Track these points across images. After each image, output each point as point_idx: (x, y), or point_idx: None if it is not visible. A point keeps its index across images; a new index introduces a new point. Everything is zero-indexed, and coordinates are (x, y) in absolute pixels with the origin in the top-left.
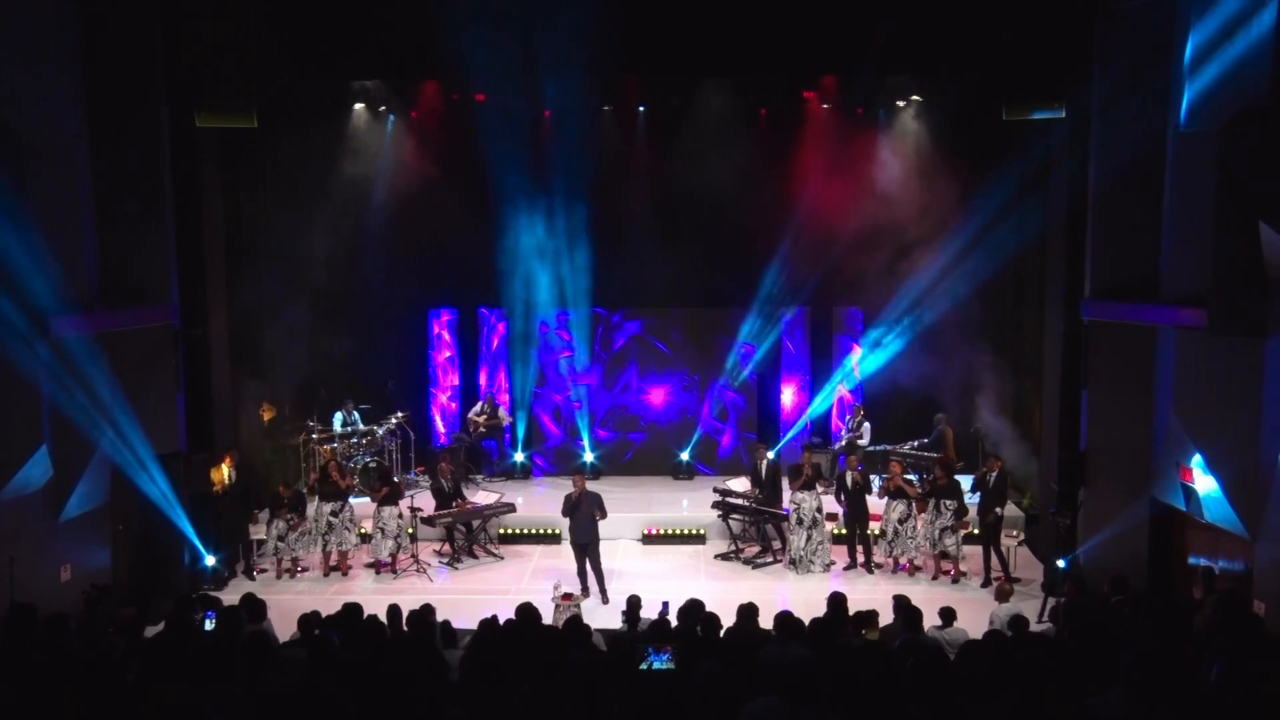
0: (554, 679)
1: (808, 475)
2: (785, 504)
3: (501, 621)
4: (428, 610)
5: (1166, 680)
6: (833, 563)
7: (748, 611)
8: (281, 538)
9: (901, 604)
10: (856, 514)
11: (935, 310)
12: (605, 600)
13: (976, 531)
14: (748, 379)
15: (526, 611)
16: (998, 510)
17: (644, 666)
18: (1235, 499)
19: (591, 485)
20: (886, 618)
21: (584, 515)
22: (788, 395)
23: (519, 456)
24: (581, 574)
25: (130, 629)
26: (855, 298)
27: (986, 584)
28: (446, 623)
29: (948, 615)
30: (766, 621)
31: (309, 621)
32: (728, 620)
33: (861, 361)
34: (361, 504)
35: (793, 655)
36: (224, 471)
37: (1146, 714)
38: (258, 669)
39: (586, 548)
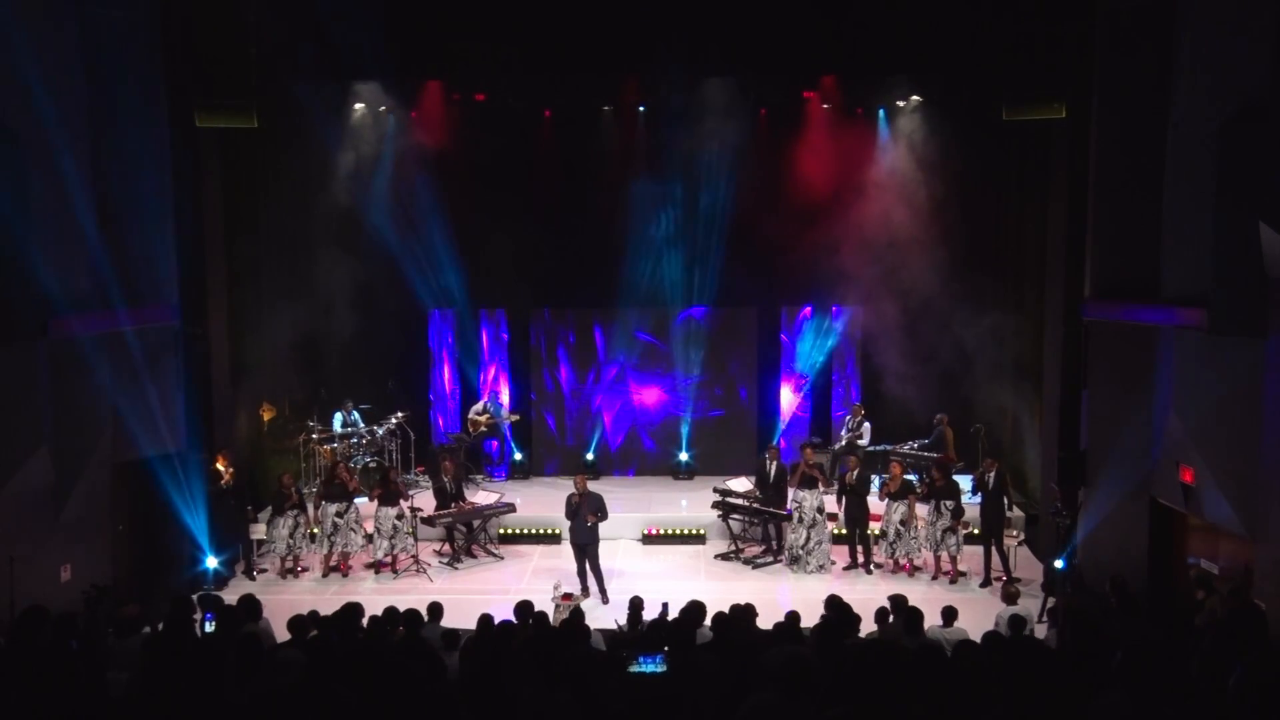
0: (554, 680)
1: (804, 473)
2: (789, 505)
3: (498, 620)
4: (434, 610)
5: (1164, 680)
6: (833, 562)
7: (742, 612)
8: (291, 534)
9: (899, 603)
10: (856, 514)
11: (935, 310)
12: (605, 600)
13: (977, 531)
14: (747, 378)
15: (526, 610)
16: (1009, 515)
17: (634, 669)
18: (1235, 499)
19: (591, 485)
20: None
21: (584, 516)
22: (786, 394)
23: (518, 456)
24: (581, 574)
25: (131, 628)
26: (855, 297)
27: (986, 584)
28: (449, 630)
29: (949, 615)
30: (766, 622)
31: (301, 623)
32: None
33: (862, 360)
34: (364, 504)
35: (790, 653)
36: (220, 469)
37: (1145, 715)
38: (251, 670)
39: (585, 548)
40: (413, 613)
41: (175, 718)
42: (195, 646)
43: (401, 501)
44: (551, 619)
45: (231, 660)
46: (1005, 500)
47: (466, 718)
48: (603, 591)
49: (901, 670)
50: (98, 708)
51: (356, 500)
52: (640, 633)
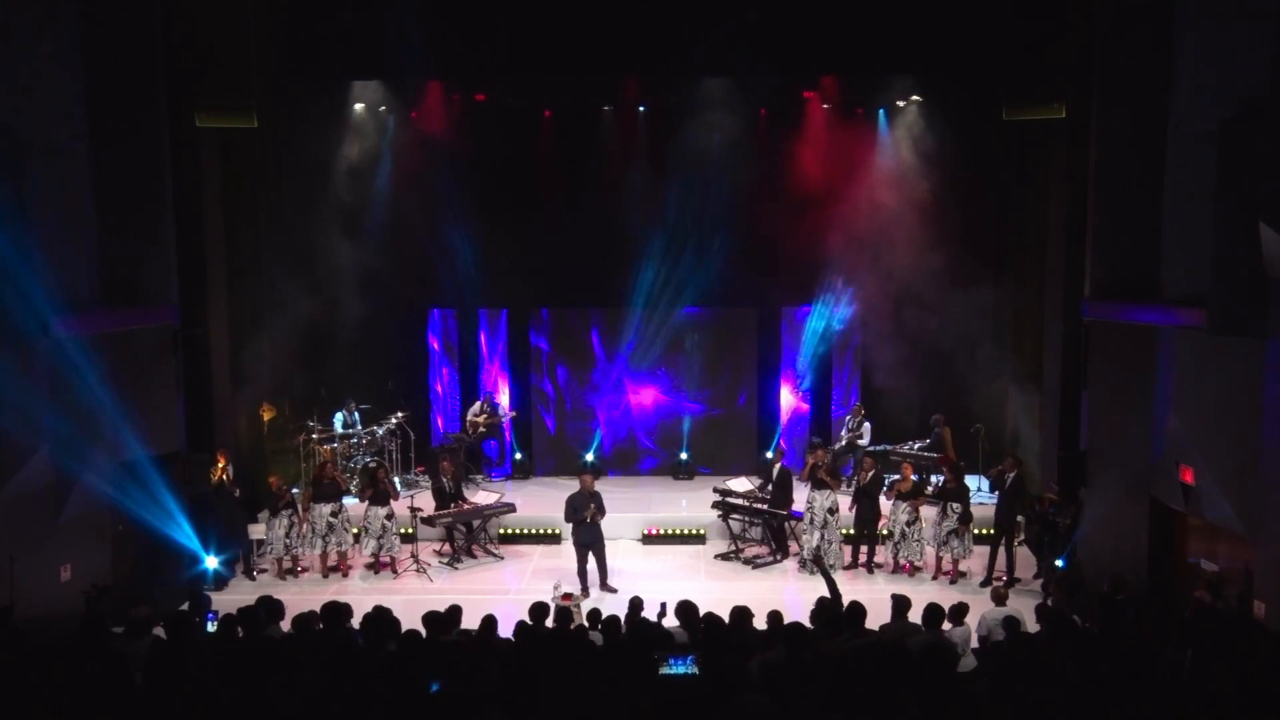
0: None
1: (815, 474)
2: (796, 507)
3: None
4: (455, 611)
5: (1141, 676)
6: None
7: (740, 615)
8: (287, 534)
9: (902, 605)
10: (868, 515)
11: (934, 310)
12: (613, 590)
13: (985, 531)
14: (747, 378)
15: (542, 611)
16: (1019, 519)
17: (665, 671)
18: (1235, 499)
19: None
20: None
21: (592, 515)
22: (786, 394)
23: (518, 456)
24: (582, 574)
25: (142, 629)
26: (855, 297)
27: (986, 584)
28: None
29: (958, 612)
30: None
31: (304, 621)
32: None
33: (861, 360)
34: (354, 503)
35: (770, 660)
36: (220, 469)
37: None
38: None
39: (593, 546)
40: (437, 614)
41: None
42: (207, 647)
43: (392, 501)
44: (551, 619)
45: (259, 661)
46: (1020, 502)
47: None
48: (604, 583)
49: (898, 671)
50: (130, 707)
51: (346, 500)
52: (639, 633)
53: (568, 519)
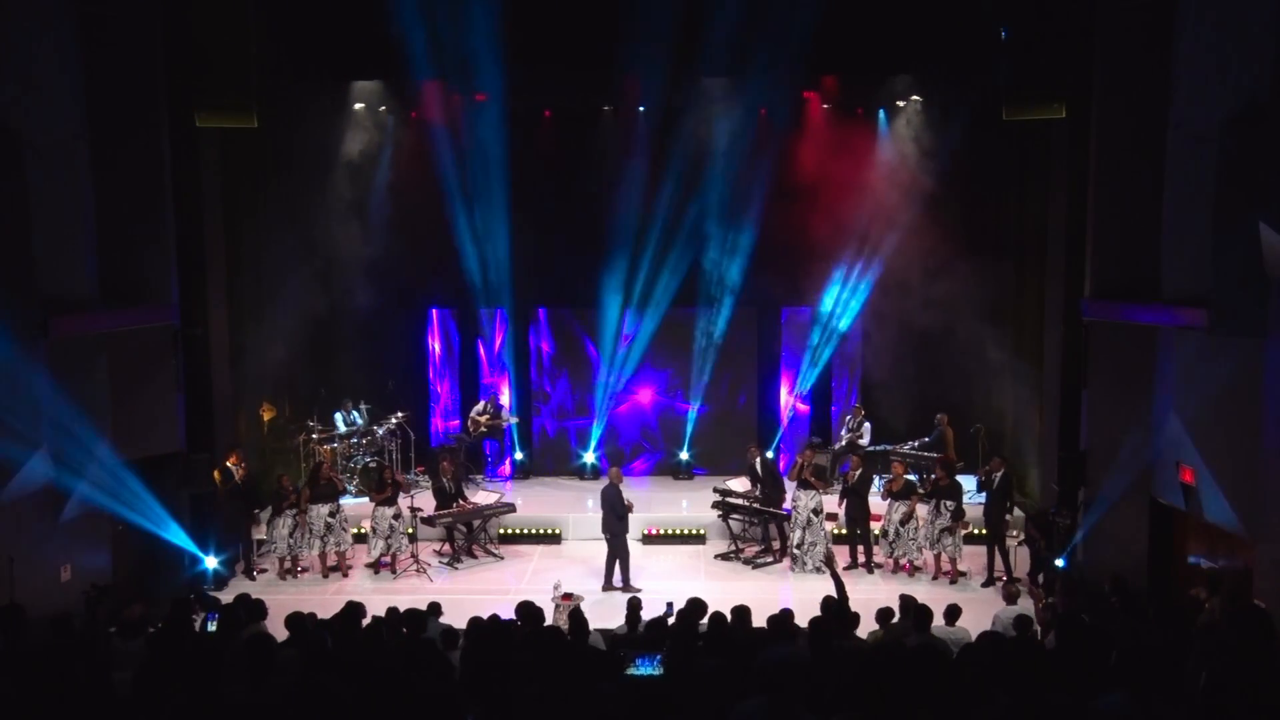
0: (558, 682)
1: (801, 474)
2: (788, 503)
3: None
4: (434, 609)
5: (1164, 679)
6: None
7: (739, 614)
8: (291, 533)
9: (908, 603)
10: (857, 514)
11: (935, 309)
12: (616, 588)
13: (980, 532)
14: (747, 378)
15: (528, 611)
16: (1008, 517)
17: (630, 672)
18: (1235, 499)
19: (592, 484)
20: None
21: (625, 508)
22: (786, 394)
23: (519, 456)
24: (610, 568)
25: (136, 629)
26: (855, 297)
27: (988, 584)
28: (449, 627)
29: (952, 614)
30: (763, 621)
31: (299, 621)
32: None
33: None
34: (353, 504)
35: (790, 655)
36: (231, 468)
37: (1145, 714)
38: (262, 671)
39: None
40: (416, 612)
41: (175, 717)
42: (195, 646)
43: (400, 500)
44: (551, 619)
45: (240, 661)
46: (1008, 501)
47: (468, 717)
48: (608, 580)
49: (908, 673)
50: (103, 708)
51: (346, 499)
52: (640, 633)
53: (615, 512)
